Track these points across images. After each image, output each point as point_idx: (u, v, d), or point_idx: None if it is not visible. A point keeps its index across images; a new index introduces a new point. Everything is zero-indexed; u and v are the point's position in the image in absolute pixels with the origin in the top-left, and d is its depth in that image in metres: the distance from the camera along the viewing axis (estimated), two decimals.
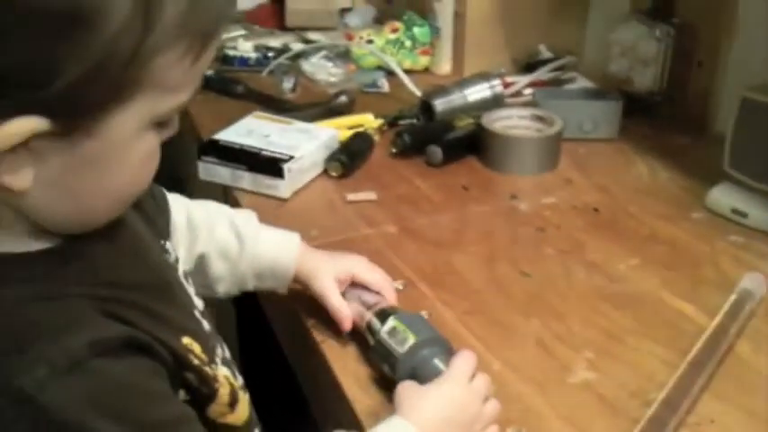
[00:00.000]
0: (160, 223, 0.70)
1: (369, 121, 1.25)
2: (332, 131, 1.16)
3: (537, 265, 0.91)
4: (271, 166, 1.04)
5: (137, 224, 0.61)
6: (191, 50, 0.48)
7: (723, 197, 1.01)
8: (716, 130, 1.22)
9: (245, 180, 1.06)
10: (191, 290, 0.67)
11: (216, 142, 1.10)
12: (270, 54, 1.57)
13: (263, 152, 1.07)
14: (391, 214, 1.02)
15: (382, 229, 0.98)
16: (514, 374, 0.73)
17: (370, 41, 1.53)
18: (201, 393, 0.58)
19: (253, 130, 1.13)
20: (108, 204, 0.53)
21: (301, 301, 0.81)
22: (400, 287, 0.85)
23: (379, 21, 1.69)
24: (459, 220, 1.02)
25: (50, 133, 0.45)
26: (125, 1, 0.44)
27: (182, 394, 0.56)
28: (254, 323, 1.07)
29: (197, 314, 0.65)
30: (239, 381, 0.66)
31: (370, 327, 0.74)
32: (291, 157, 1.05)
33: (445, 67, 1.54)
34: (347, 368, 0.74)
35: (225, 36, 1.58)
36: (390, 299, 0.78)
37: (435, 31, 1.52)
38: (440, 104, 1.26)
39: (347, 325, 0.76)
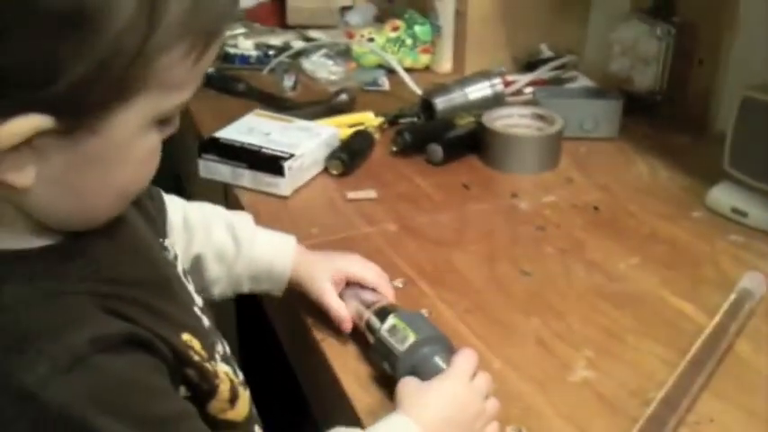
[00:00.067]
0: (159, 222, 0.70)
1: (369, 119, 1.25)
2: (332, 130, 1.16)
3: (537, 263, 0.91)
4: (271, 163, 1.04)
5: (137, 222, 0.61)
6: (194, 49, 0.48)
7: (723, 196, 1.01)
8: (716, 129, 1.22)
9: (246, 178, 1.06)
10: (190, 287, 0.67)
11: (216, 140, 1.10)
12: (271, 52, 1.57)
13: (264, 150, 1.07)
14: (391, 212, 1.02)
15: (382, 228, 0.98)
16: (514, 373, 0.73)
17: (370, 40, 1.53)
18: (202, 389, 0.58)
19: (253, 128, 1.13)
20: (110, 202, 0.53)
21: (301, 300, 0.81)
22: (400, 285, 0.85)
23: (380, 19, 1.69)
24: (459, 219, 1.02)
25: (54, 131, 0.46)
26: (129, 0, 0.44)
27: (182, 390, 0.57)
28: (253, 320, 1.07)
29: (197, 311, 0.65)
30: (240, 377, 0.66)
31: (369, 325, 0.74)
32: (292, 156, 1.05)
33: (446, 65, 1.54)
34: (347, 366, 0.74)
35: (226, 34, 1.58)
36: (387, 295, 0.79)
37: (436, 30, 1.53)
38: (440, 103, 1.26)
39: (347, 326, 0.76)
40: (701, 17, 1.24)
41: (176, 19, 0.46)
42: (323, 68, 1.49)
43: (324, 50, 1.55)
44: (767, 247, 0.94)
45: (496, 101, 1.27)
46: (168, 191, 0.78)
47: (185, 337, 0.57)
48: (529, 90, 1.39)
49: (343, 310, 0.76)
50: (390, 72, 1.47)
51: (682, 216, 1.02)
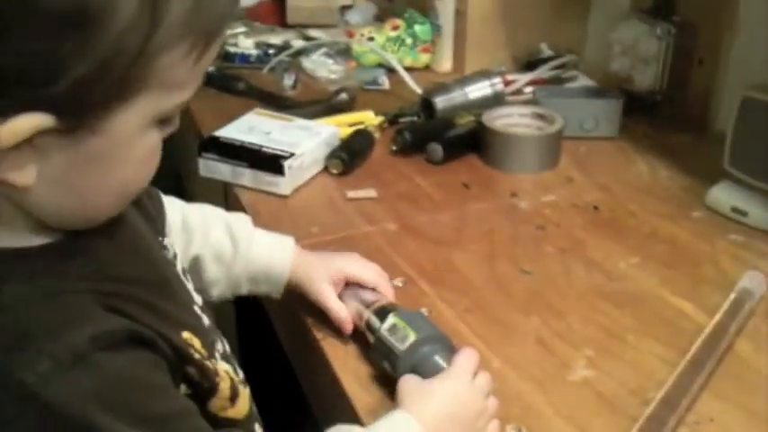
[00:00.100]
0: (158, 221, 0.70)
1: (369, 118, 1.25)
2: (332, 129, 1.16)
3: (537, 263, 0.91)
4: (271, 163, 1.04)
5: (136, 221, 0.61)
6: (195, 49, 0.48)
7: (723, 196, 1.01)
8: (716, 128, 1.22)
9: (246, 177, 1.06)
10: (189, 285, 0.67)
11: (216, 139, 1.10)
12: (271, 51, 1.57)
13: (264, 149, 1.07)
14: (391, 212, 1.02)
15: (382, 227, 0.98)
16: (514, 372, 0.73)
17: (370, 39, 1.53)
18: (203, 387, 0.58)
19: (253, 127, 1.13)
20: (111, 200, 0.53)
21: (301, 299, 0.81)
22: (400, 284, 0.85)
23: (380, 18, 1.69)
24: (459, 218, 1.02)
25: (55, 130, 0.46)
26: (132, 0, 0.44)
27: (183, 389, 0.57)
28: (253, 319, 1.07)
29: (196, 309, 0.65)
30: (240, 375, 0.67)
31: (369, 325, 0.74)
32: (292, 155, 1.05)
33: (446, 64, 1.54)
34: (347, 366, 0.74)
35: (226, 33, 1.58)
36: (387, 294, 0.79)
37: (436, 29, 1.52)
38: (440, 102, 1.26)
39: (348, 327, 0.76)
40: (701, 17, 1.24)
41: (178, 19, 0.46)
42: (323, 67, 1.49)
43: (324, 49, 1.55)
44: (767, 247, 0.94)
45: (496, 100, 1.27)
46: (168, 190, 0.77)
47: (185, 335, 0.57)
48: (529, 89, 1.39)
49: (343, 311, 0.76)
50: (390, 71, 1.47)
51: (682, 215, 1.02)
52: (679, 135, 1.25)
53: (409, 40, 1.53)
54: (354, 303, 0.77)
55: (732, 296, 0.82)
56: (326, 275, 0.78)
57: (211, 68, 1.42)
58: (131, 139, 0.50)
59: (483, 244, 0.95)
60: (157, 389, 0.52)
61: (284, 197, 1.05)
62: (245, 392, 0.65)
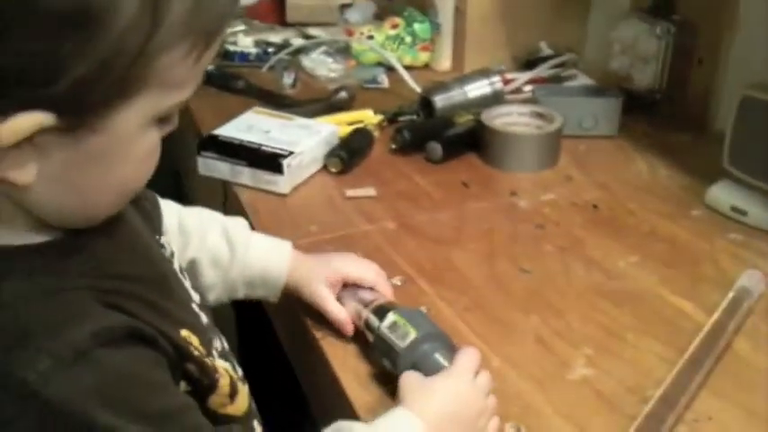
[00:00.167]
0: (155, 219, 0.70)
1: (368, 117, 1.25)
2: (332, 127, 1.16)
3: (536, 261, 0.91)
4: (270, 161, 1.04)
5: (134, 219, 0.62)
6: (195, 48, 0.48)
7: (722, 195, 1.01)
8: (716, 127, 1.22)
9: (245, 175, 1.06)
10: (187, 283, 0.67)
11: (216, 137, 1.10)
12: (270, 49, 1.57)
13: (263, 148, 1.07)
14: (391, 210, 1.02)
15: (381, 226, 0.98)
16: (514, 371, 0.73)
17: (370, 37, 1.53)
18: (202, 384, 0.58)
19: (253, 126, 1.13)
20: (110, 199, 0.53)
21: (300, 298, 0.81)
22: (399, 283, 0.85)
23: (380, 17, 1.69)
24: (458, 217, 1.02)
25: (55, 129, 0.46)
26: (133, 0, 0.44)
27: (183, 385, 0.57)
28: (253, 318, 1.07)
29: (194, 307, 0.65)
30: (239, 373, 0.67)
31: (368, 324, 0.74)
32: (291, 153, 1.05)
33: (445, 63, 1.54)
34: (346, 364, 0.74)
35: (226, 32, 1.58)
36: (385, 292, 0.79)
37: (436, 28, 1.52)
38: (440, 101, 1.26)
39: (348, 329, 0.76)
40: (701, 16, 1.24)
41: (178, 18, 0.46)
42: (322, 66, 1.49)
43: (323, 48, 1.55)
44: (766, 246, 0.94)
45: (496, 99, 1.27)
46: (167, 188, 0.77)
47: (184, 333, 0.57)
48: (528, 88, 1.38)
49: (341, 313, 0.76)
50: (390, 70, 1.47)
51: (681, 214, 1.02)
52: (678, 134, 1.25)
53: (409, 39, 1.53)
54: (353, 303, 0.77)
55: (731, 295, 0.82)
56: (323, 278, 0.78)
57: (211, 67, 1.42)
58: (131, 138, 0.50)
59: (482, 243, 0.95)
60: (157, 385, 0.52)
61: (283, 196, 1.05)
62: (244, 390, 0.65)
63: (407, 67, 1.46)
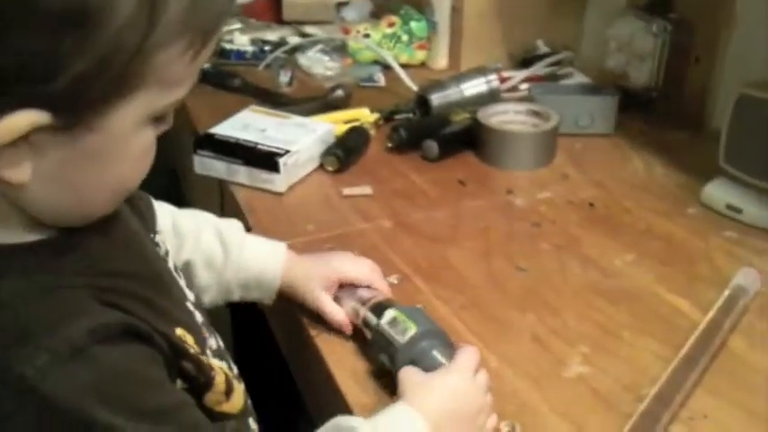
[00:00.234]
0: (149, 217, 0.70)
1: (365, 115, 1.25)
2: (328, 126, 1.16)
3: (532, 259, 0.91)
4: (266, 160, 1.04)
5: (129, 218, 0.62)
6: (191, 47, 0.49)
7: (718, 193, 1.01)
8: (713, 126, 1.22)
9: (241, 174, 1.06)
10: (182, 282, 0.67)
11: (212, 136, 1.10)
12: (266, 48, 1.56)
13: (259, 146, 1.07)
14: (387, 209, 1.02)
15: (378, 224, 0.98)
16: (510, 369, 0.73)
17: (366, 36, 1.53)
18: (199, 382, 0.59)
19: (249, 124, 1.13)
20: (106, 197, 0.54)
21: None
22: (395, 282, 0.85)
23: (376, 15, 1.69)
24: (454, 215, 1.02)
25: (51, 127, 0.46)
26: None
27: (179, 383, 0.57)
28: (248, 316, 1.07)
29: (189, 306, 0.65)
30: (234, 371, 0.67)
31: (366, 322, 0.74)
32: (287, 152, 1.05)
33: (442, 61, 1.54)
34: (341, 362, 0.74)
35: (223, 30, 1.58)
36: (382, 290, 0.79)
37: (432, 26, 1.52)
38: (436, 99, 1.26)
39: (347, 329, 0.76)
40: (698, 14, 1.24)
41: (175, 17, 0.47)
42: (319, 64, 1.49)
43: (320, 46, 1.55)
44: (761, 244, 0.94)
45: (492, 97, 1.27)
46: (164, 187, 0.78)
47: (179, 331, 0.57)
48: (524, 86, 1.39)
49: (339, 314, 0.76)
50: (386, 68, 1.47)
51: (677, 212, 1.02)
52: (675, 132, 1.25)
53: (405, 37, 1.53)
54: (350, 302, 0.77)
55: (726, 293, 0.82)
56: (319, 279, 0.78)
57: (207, 65, 1.42)
58: (127, 137, 0.50)
59: (478, 241, 0.95)
60: (154, 382, 0.52)
61: (279, 194, 1.05)
62: (239, 387, 0.65)
63: (404, 66, 1.46)
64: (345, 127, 1.19)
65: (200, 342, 0.61)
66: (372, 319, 0.72)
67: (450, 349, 0.68)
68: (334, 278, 0.78)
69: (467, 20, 1.47)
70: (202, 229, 0.80)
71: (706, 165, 1.05)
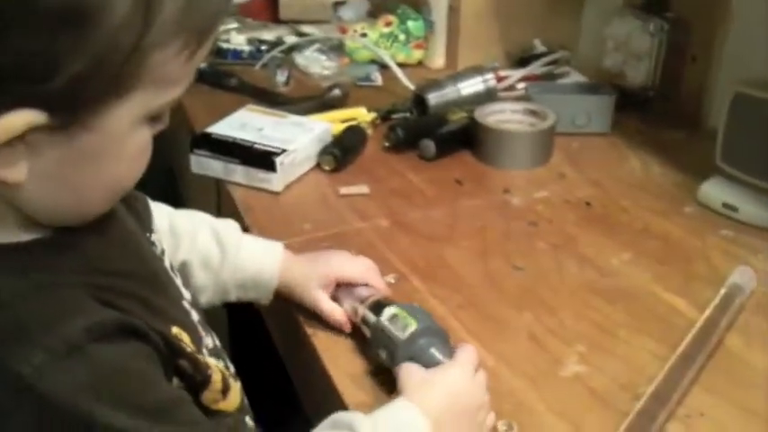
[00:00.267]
0: (145, 217, 0.70)
1: (362, 114, 1.25)
2: (325, 125, 1.15)
3: (529, 259, 0.91)
4: (263, 159, 1.04)
5: (125, 217, 0.62)
6: (187, 46, 0.49)
7: (714, 191, 1.02)
8: (709, 125, 1.23)
9: (238, 173, 1.06)
10: (178, 281, 0.67)
11: (208, 135, 1.10)
12: (263, 47, 1.56)
13: (256, 145, 1.07)
14: (384, 208, 1.02)
15: (375, 223, 0.98)
16: (507, 368, 0.73)
17: (363, 35, 1.53)
18: (195, 380, 0.59)
19: (246, 124, 1.13)
20: (102, 197, 0.54)
21: None
22: (392, 281, 0.85)
23: (373, 14, 1.69)
24: (451, 214, 1.02)
25: (48, 127, 0.46)
26: None
27: (175, 382, 0.57)
28: (244, 315, 1.07)
29: (185, 305, 0.65)
30: (231, 369, 0.67)
31: (364, 320, 0.74)
32: (284, 151, 1.05)
33: (439, 60, 1.54)
34: (338, 361, 0.74)
35: (219, 30, 1.58)
36: (379, 287, 0.79)
37: (429, 25, 1.52)
38: (433, 98, 1.26)
39: (346, 327, 0.76)
40: (695, 13, 1.24)
41: (171, 16, 0.47)
42: (316, 63, 1.49)
43: (317, 45, 1.55)
44: (757, 242, 0.94)
45: (489, 96, 1.27)
46: (161, 186, 0.77)
47: (174, 330, 0.58)
48: (521, 85, 1.38)
49: (337, 313, 0.76)
50: (383, 67, 1.47)
51: (674, 211, 1.02)
52: (672, 131, 1.25)
53: (402, 37, 1.53)
54: (349, 301, 0.77)
55: (723, 291, 0.82)
56: (317, 278, 0.78)
57: (204, 65, 1.42)
58: (123, 136, 0.50)
59: (475, 240, 0.95)
60: (151, 379, 0.52)
61: (276, 194, 1.05)
62: (236, 386, 0.66)
63: (401, 65, 1.46)
64: (342, 126, 1.19)
65: (197, 341, 0.61)
66: (371, 316, 0.72)
67: (450, 347, 0.68)
68: (331, 277, 0.78)
69: (464, 19, 1.47)
70: (199, 229, 0.80)
71: (702, 164, 1.05)
